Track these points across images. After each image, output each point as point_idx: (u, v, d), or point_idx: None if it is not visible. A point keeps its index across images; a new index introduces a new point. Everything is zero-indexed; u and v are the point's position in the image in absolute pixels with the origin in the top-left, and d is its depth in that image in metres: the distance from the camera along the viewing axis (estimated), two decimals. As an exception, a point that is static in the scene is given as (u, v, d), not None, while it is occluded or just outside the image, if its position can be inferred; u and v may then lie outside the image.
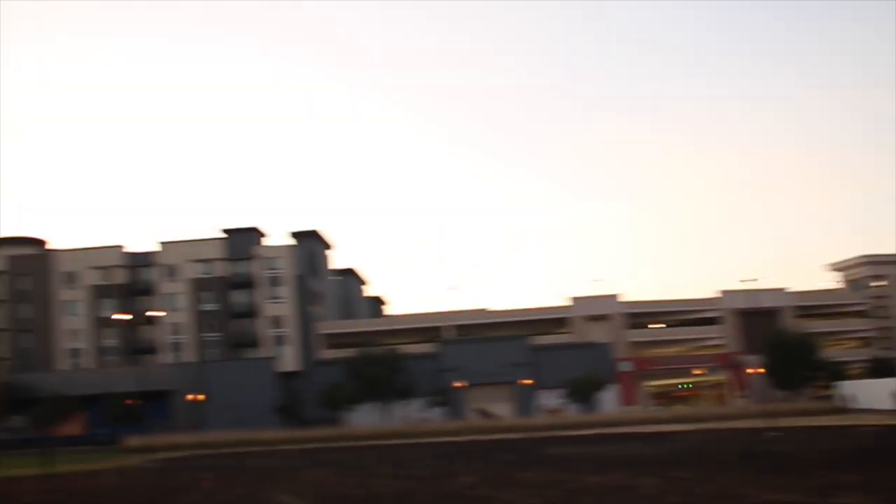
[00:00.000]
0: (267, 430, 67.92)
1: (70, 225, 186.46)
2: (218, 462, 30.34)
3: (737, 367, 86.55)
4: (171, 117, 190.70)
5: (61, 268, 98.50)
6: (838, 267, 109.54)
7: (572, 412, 76.49)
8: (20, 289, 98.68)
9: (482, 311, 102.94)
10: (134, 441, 62.36)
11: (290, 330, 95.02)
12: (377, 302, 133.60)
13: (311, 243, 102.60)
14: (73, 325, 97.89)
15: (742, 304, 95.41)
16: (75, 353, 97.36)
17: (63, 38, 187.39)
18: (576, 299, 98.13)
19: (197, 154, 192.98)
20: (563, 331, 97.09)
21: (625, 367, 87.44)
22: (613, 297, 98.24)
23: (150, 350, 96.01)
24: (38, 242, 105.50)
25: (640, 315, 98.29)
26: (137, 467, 29.46)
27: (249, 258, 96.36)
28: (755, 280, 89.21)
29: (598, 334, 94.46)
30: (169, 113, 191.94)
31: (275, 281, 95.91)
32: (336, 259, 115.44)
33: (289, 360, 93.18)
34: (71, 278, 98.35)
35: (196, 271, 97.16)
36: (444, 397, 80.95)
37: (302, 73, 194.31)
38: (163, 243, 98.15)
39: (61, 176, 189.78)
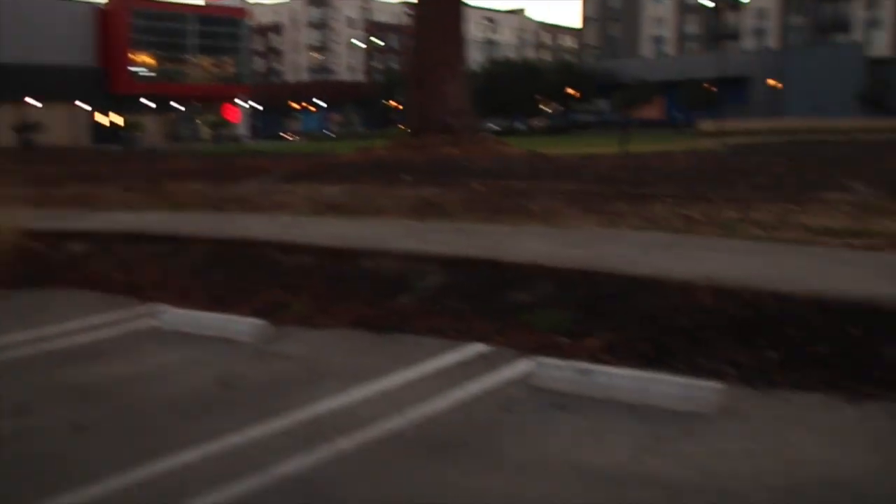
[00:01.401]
0: (846, 118, 63.65)
1: None
2: (790, 148, 29.21)
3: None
4: None
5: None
6: None
7: None
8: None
9: None
10: (708, 125, 62.96)
11: (888, 12, 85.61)
12: None
13: None
14: (657, 12, 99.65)
15: None
16: (658, 40, 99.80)
17: None
18: None
19: None
20: None
21: None
22: None
23: (732, 36, 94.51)
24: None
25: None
26: (709, 150, 29.66)
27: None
28: None
29: None
30: None
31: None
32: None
33: (880, 45, 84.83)
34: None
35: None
36: None
37: None
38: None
39: None
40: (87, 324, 6.54)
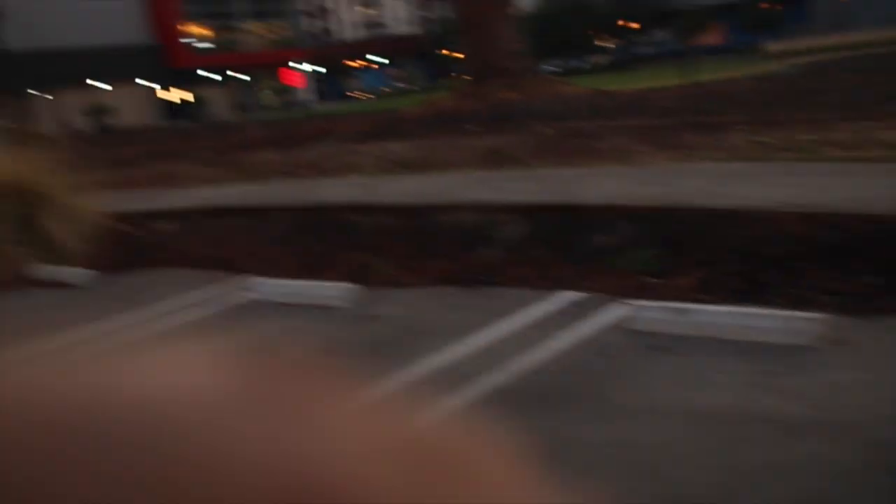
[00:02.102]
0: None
1: None
2: (863, 62, 28.16)
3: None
4: None
5: None
6: None
7: None
8: None
9: None
10: (774, 46, 60.80)
11: None
12: None
13: None
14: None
15: None
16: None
17: None
18: None
19: None
20: None
21: None
22: None
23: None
24: None
25: None
26: (775, 72, 28.79)
27: None
28: None
29: None
30: None
31: None
32: None
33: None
34: None
35: None
36: None
37: None
38: None
39: None
40: (188, 301, 6.75)
